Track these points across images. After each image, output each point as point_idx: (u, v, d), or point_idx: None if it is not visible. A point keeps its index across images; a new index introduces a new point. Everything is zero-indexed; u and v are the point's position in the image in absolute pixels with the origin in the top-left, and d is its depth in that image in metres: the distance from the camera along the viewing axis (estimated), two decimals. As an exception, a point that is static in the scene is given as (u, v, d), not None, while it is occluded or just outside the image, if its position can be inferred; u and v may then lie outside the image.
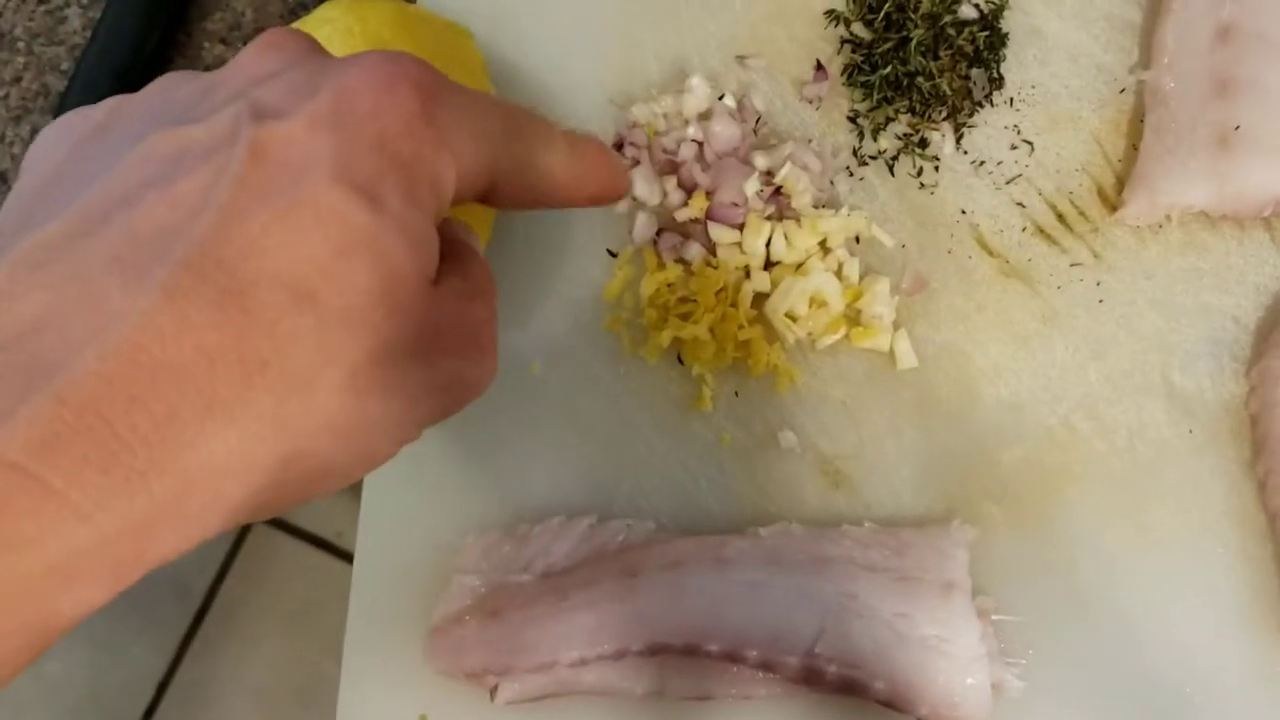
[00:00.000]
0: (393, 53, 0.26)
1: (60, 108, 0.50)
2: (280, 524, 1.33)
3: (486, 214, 0.46)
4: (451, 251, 0.28)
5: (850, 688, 0.42)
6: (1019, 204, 0.49)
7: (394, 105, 0.25)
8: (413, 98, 0.25)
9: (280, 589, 1.33)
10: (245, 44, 0.55)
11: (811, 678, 0.42)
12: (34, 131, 0.53)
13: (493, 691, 0.44)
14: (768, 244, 0.47)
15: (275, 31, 0.29)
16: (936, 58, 0.49)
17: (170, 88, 0.28)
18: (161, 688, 1.36)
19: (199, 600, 1.33)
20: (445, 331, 0.27)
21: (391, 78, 0.25)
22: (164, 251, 0.23)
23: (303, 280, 0.23)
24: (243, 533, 1.35)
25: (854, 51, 0.50)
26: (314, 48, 0.28)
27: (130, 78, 0.51)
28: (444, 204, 0.26)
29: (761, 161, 0.48)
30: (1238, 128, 0.47)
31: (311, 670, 1.30)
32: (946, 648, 0.42)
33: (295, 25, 0.46)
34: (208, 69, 0.55)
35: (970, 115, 0.49)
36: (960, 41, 0.49)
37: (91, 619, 0.23)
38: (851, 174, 0.49)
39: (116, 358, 0.22)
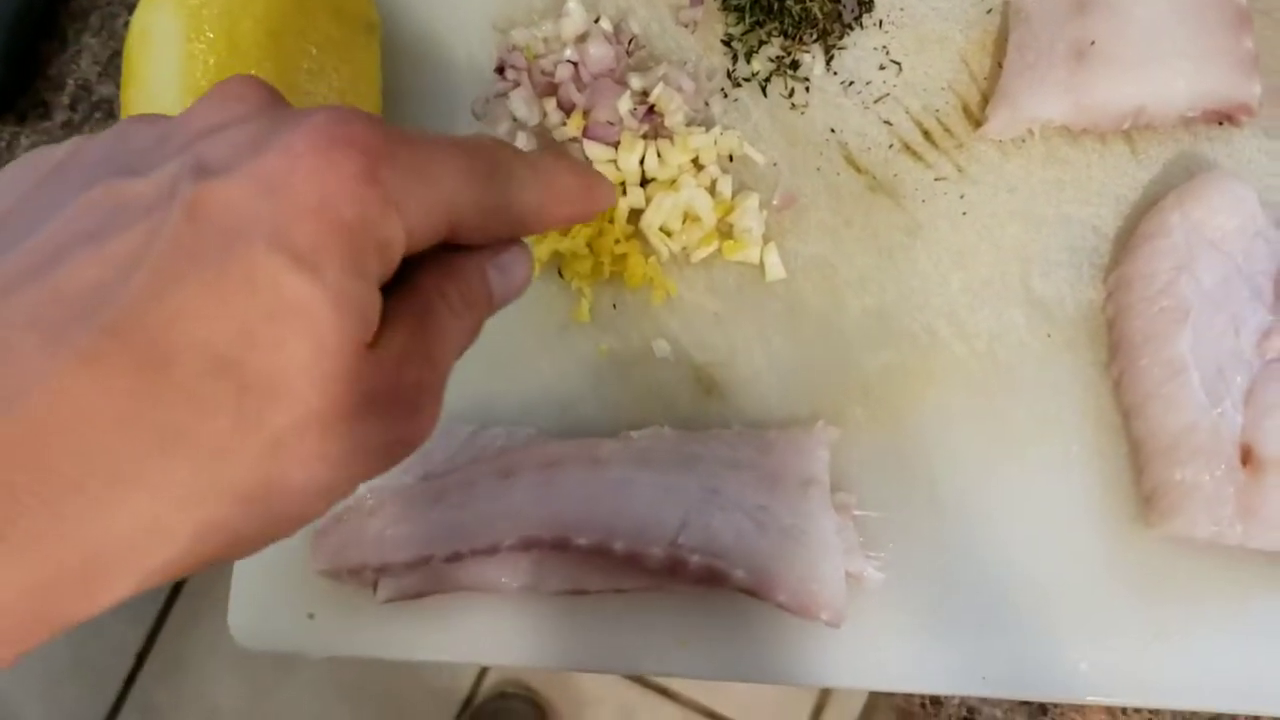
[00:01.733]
0: (342, 111, 0.26)
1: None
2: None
3: None
4: (406, 307, 0.28)
5: (713, 577, 0.44)
6: (886, 122, 0.50)
7: (337, 169, 0.24)
8: (356, 160, 0.25)
9: (253, 556, 1.35)
10: (133, 10, 0.56)
11: (676, 568, 0.44)
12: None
13: (374, 587, 0.46)
14: (642, 161, 0.49)
15: (236, 80, 0.28)
16: (807, -19, 0.50)
17: (128, 133, 0.28)
18: (141, 657, 1.39)
19: (177, 569, 1.35)
20: (377, 396, 0.26)
21: (334, 140, 0.25)
22: (88, 313, 0.23)
23: (227, 348, 0.23)
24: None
25: (728, -24, 0.52)
26: (272, 99, 0.28)
27: (29, 19, 0.52)
28: (391, 264, 0.26)
29: (636, 82, 0.50)
30: (1093, 43, 0.48)
31: (286, 635, 1.32)
32: (804, 538, 0.44)
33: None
34: (102, 21, 0.56)
35: (840, 37, 0.51)
36: (831, -35, 0.51)
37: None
38: (726, 95, 0.51)
39: (26, 422, 0.22)
